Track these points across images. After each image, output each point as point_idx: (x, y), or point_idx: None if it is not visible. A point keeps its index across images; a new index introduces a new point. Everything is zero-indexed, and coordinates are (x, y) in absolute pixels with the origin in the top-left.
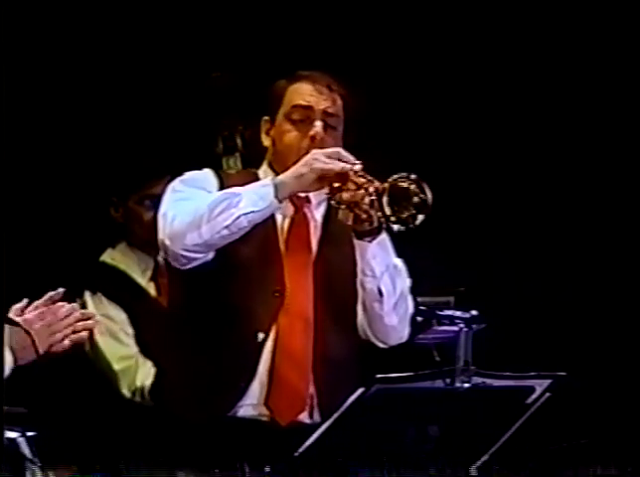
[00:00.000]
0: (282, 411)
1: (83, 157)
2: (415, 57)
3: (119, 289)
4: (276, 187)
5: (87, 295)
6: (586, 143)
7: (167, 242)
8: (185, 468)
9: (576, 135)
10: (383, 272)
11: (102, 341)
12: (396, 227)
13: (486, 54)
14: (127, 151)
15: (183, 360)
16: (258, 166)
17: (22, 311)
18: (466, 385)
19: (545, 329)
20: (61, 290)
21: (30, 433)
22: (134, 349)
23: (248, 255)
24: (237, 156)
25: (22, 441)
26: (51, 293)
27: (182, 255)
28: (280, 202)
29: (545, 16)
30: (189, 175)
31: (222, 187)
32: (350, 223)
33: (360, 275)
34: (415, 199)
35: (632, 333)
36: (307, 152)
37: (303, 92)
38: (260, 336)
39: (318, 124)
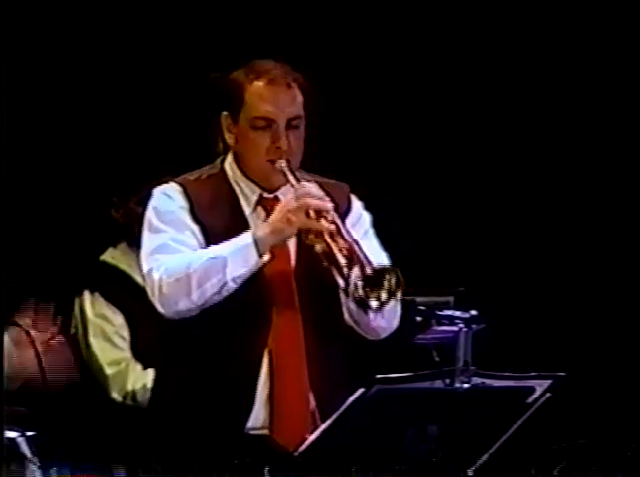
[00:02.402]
0: (287, 436)
1: (85, 157)
2: (398, 52)
3: (119, 289)
4: (257, 245)
5: (87, 295)
6: (585, 143)
7: (159, 308)
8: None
9: (576, 135)
10: None
11: (96, 343)
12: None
13: (462, 42)
14: (128, 151)
15: (183, 381)
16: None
17: None
18: (466, 385)
19: (545, 329)
20: None
21: (30, 433)
22: (127, 353)
23: None
24: None
25: (22, 441)
26: None
27: (176, 318)
28: (262, 257)
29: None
30: (161, 201)
31: (191, 206)
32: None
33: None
34: (386, 286)
35: (632, 333)
36: (272, 161)
37: (265, 99)
38: (257, 352)
39: (284, 137)
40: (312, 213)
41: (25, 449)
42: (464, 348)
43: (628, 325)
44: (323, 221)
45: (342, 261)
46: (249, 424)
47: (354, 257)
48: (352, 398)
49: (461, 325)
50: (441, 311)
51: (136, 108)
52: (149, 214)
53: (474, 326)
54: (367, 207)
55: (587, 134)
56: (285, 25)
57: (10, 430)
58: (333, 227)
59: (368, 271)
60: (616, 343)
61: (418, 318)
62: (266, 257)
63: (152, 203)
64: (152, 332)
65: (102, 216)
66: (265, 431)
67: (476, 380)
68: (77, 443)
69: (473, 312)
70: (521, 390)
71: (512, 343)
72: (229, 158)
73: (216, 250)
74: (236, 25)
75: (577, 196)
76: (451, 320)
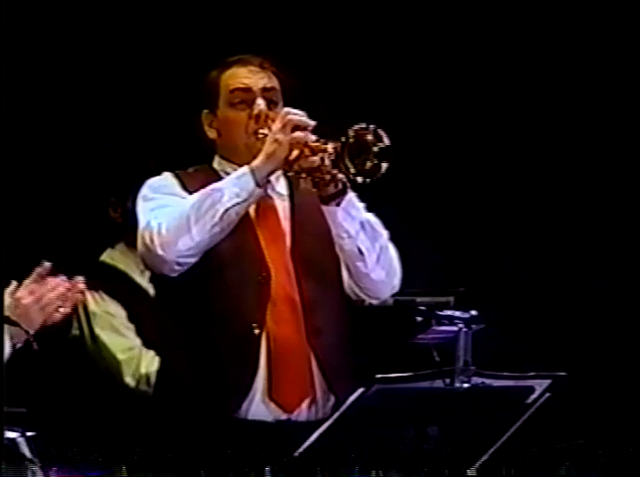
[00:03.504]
0: (287, 399)
1: (82, 157)
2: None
3: (119, 289)
4: (254, 173)
5: (88, 293)
6: (586, 142)
7: (160, 252)
8: (190, 468)
9: (575, 134)
10: (358, 231)
11: (105, 335)
12: (360, 179)
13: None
14: (126, 151)
15: (186, 360)
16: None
17: (13, 293)
18: (466, 385)
19: (545, 329)
20: (47, 264)
21: (30, 433)
22: (137, 341)
23: (228, 246)
24: None
25: (22, 441)
26: (38, 269)
27: (176, 262)
28: (261, 187)
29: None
30: (154, 181)
31: (183, 184)
32: (314, 189)
33: (336, 239)
34: (375, 148)
35: (632, 333)
36: (255, 132)
37: (238, 76)
38: (256, 328)
39: (260, 102)
40: (296, 129)
41: (25, 449)
42: (464, 348)
43: (628, 325)
44: (307, 133)
45: (329, 160)
46: (253, 395)
47: (336, 152)
48: (352, 398)
49: (461, 325)
50: (441, 311)
51: (135, 108)
52: (143, 191)
53: (474, 326)
54: (367, 208)
55: (587, 135)
56: (277, 28)
57: (10, 430)
58: (315, 138)
59: (349, 138)
60: (616, 343)
61: (418, 318)
62: (262, 190)
63: (145, 184)
64: (154, 329)
65: (100, 216)
66: (266, 401)
67: (476, 380)
68: (77, 443)
69: (473, 312)
70: (521, 390)
71: (512, 343)
72: (216, 158)
73: (212, 186)
74: (234, 23)
75: (577, 196)
76: (451, 320)
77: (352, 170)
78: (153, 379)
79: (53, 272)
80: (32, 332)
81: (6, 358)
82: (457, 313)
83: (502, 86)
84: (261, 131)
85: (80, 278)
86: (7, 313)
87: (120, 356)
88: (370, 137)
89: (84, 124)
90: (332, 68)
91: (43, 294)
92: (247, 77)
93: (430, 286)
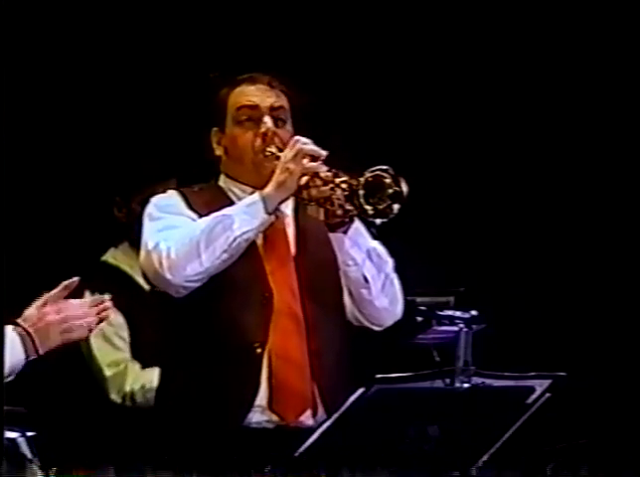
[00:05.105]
0: (287, 413)
1: (87, 157)
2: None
3: (120, 290)
4: (264, 201)
5: (87, 295)
6: (585, 142)
7: (168, 276)
8: (188, 470)
9: (575, 134)
10: (364, 259)
11: (95, 344)
12: (378, 221)
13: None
14: (131, 152)
15: (188, 377)
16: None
17: (41, 307)
18: (466, 385)
19: (545, 329)
20: (75, 279)
21: (30, 433)
22: (126, 354)
23: (232, 266)
24: None
25: (22, 441)
26: (66, 282)
27: (183, 286)
28: (271, 214)
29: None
30: (160, 199)
31: (188, 202)
32: (321, 218)
33: (342, 266)
34: (390, 191)
35: (632, 333)
36: (262, 150)
37: (246, 94)
38: (258, 347)
39: (267, 120)
40: (307, 158)
41: (25, 449)
42: (464, 348)
43: (628, 325)
44: (319, 163)
45: (341, 192)
46: (255, 407)
47: (352, 189)
48: (352, 399)
49: (461, 325)
50: (441, 311)
51: (139, 109)
52: (149, 209)
53: (474, 326)
54: None
55: (587, 134)
56: (287, 46)
57: (10, 430)
58: (327, 169)
59: (368, 178)
60: (616, 343)
61: (418, 318)
62: (273, 217)
63: (151, 202)
64: (152, 332)
65: (104, 215)
66: (267, 412)
67: (476, 380)
68: (76, 443)
69: (473, 312)
70: (521, 390)
71: (512, 343)
72: (222, 176)
73: (222, 212)
74: (235, 24)
75: (577, 196)
76: (451, 320)
77: (367, 208)
78: (138, 396)
79: (53, 273)
80: (45, 349)
81: (21, 365)
82: (457, 313)
83: (500, 86)
84: (269, 149)
85: (109, 305)
86: (29, 323)
87: (107, 372)
88: (388, 180)
89: (91, 124)
90: (340, 86)
91: (68, 318)
92: (255, 94)
93: (430, 286)
